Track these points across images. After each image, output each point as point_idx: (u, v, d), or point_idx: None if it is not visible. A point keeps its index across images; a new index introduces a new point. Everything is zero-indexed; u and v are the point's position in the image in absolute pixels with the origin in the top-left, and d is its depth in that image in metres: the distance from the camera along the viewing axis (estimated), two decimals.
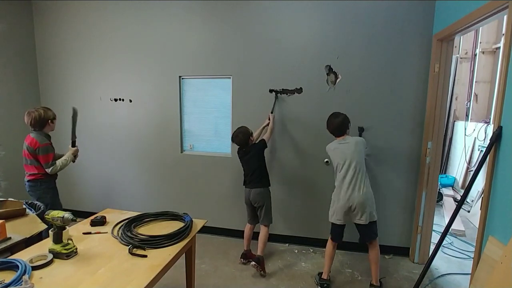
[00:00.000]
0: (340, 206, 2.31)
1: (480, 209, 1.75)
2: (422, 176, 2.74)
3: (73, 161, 2.75)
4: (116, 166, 3.62)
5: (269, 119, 2.90)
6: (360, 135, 2.82)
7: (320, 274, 2.55)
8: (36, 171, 2.57)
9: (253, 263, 2.58)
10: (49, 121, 2.58)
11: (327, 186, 3.02)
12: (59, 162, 2.60)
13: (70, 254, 1.57)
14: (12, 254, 1.67)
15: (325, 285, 2.45)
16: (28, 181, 2.60)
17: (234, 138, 2.66)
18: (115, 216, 2.13)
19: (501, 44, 4.31)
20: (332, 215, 2.39)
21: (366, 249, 2.62)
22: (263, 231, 2.68)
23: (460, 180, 4.90)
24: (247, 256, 2.81)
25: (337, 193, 2.36)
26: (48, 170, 2.54)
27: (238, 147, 2.72)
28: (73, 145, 2.74)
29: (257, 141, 2.78)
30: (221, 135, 3.31)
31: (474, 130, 4.65)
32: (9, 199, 2.40)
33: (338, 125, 2.39)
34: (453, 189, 4.94)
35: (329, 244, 2.48)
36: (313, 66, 2.92)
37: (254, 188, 2.67)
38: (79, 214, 2.65)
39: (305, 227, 3.16)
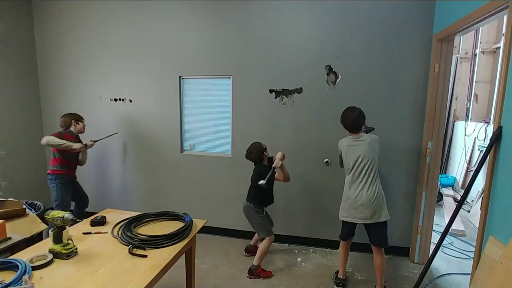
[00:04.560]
0: (349, 204, 2.29)
1: (480, 209, 1.75)
2: (422, 176, 2.74)
3: (73, 148, 2.83)
4: (116, 166, 3.62)
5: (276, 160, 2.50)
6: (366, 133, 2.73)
7: (336, 273, 2.57)
8: (52, 164, 2.90)
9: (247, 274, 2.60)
10: (72, 121, 3.01)
11: (327, 186, 3.03)
12: (51, 137, 2.75)
13: (70, 254, 1.57)
14: (12, 254, 1.68)
15: (341, 284, 2.46)
16: (47, 173, 2.92)
17: (248, 155, 2.61)
18: (115, 216, 2.13)
19: (501, 44, 4.30)
20: (341, 212, 2.38)
21: (366, 249, 2.62)
22: (262, 243, 2.61)
23: (460, 180, 4.90)
24: (249, 250, 2.92)
25: (347, 190, 2.33)
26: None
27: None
28: (90, 144, 3.02)
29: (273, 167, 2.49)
30: (221, 135, 3.31)
31: (474, 130, 4.64)
32: (9, 199, 2.41)
33: (354, 120, 2.30)
34: (453, 189, 4.94)
35: (341, 244, 2.48)
36: (313, 66, 2.92)
37: (246, 201, 2.67)
38: None
39: (305, 227, 3.16)
